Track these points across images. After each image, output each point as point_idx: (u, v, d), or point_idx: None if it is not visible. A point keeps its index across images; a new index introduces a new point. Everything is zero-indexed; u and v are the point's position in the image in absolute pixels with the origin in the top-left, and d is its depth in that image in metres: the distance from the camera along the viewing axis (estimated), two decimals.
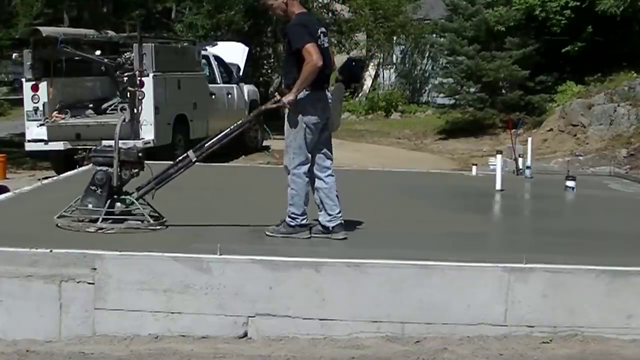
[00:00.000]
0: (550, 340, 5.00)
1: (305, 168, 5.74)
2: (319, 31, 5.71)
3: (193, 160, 5.93)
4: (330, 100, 5.85)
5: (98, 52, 13.72)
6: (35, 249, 5.11)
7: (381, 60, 28.12)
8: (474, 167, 10.80)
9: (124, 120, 6.33)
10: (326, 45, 5.76)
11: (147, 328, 5.02)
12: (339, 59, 32.65)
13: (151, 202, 6.07)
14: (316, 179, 5.85)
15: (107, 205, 5.88)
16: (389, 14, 26.16)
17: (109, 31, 15.93)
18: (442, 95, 23.66)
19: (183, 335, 4.99)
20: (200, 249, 5.27)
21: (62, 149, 12.98)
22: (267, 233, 5.89)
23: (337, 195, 5.87)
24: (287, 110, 5.72)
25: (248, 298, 5.04)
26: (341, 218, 5.88)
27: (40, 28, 14.37)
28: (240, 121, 6.07)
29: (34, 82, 13.24)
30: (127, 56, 13.30)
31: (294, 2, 5.77)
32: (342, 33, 26.78)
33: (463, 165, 15.40)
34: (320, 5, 26.89)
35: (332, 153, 5.95)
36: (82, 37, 14.47)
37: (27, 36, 13.99)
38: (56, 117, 13.25)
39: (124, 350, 4.83)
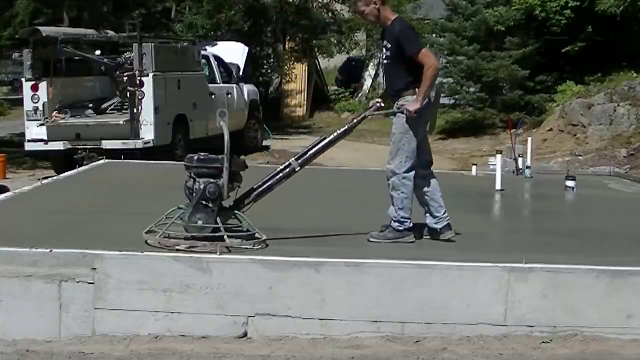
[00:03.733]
0: (550, 340, 5.00)
1: (414, 172, 5.72)
2: None
3: (297, 170, 5.72)
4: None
5: (98, 52, 13.76)
6: (35, 249, 5.11)
7: (381, 60, 28.09)
8: (474, 167, 10.82)
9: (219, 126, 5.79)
10: None
11: (147, 328, 5.01)
12: (339, 59, 32.45)
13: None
14: (419, 183, 5.83)
15: (219, 221, 5.40)
16: None
17: (109, 31, 15.95)
18: (442, 95, 23.65)
19: (183, 335, 4.98)
20: (200, 249, 5.27)
21: (62, 149, 12.99)
22: (372, 240, 5.82)
23: (440, 196, 5.89)
24: (400, 116, 5.66)
25: (248, 298, 5.04)
26: (448, 219, 5.89)
27: (40, 28, 14.38)
28: (343, 129, 5.85)
29: (34, 82, 13.26)
30: (127, 56, 13.36)
31: (386, 7, 5.75)
32: (342, 33, 26.77)
33: (463, 165, 15.40)
34: (320, 5, 26.89)
35: (431, 156, 5.98)
36: (82, 37, 14.50)
37: (27, 36, 14.00)
38: (56, 117, 13.26)
39: (124, 350, 4.83)
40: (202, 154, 5.63)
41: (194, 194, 5.44)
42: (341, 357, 4.76)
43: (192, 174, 5.53)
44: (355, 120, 5.98)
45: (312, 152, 5.77)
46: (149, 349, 4.83)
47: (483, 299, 5.08)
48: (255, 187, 5.68)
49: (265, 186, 5.67)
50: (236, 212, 5.60)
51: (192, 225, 5.39)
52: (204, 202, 5.39)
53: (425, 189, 5.86)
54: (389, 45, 5.70)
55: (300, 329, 5.02)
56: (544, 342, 4.98)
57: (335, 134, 5.85)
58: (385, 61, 5.83)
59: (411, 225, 5.83)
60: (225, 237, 5.34)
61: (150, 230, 5.51)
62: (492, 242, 6.50)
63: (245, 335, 5.04)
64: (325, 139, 5.86)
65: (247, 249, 5.39)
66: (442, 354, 4.81)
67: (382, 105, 6.00)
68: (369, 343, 4.92)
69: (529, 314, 5.07)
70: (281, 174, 5.69)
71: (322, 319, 5.04)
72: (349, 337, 4.99)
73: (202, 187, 5.40)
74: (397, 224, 5.77)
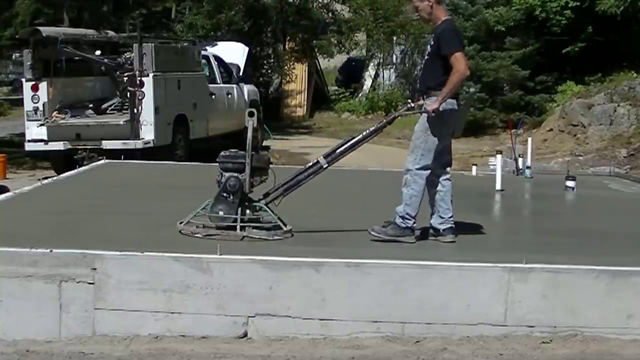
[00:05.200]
0: (550, 340, 5.00)
1: (428, 172, 5.75)
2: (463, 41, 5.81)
3: (324, 166, 5.87)
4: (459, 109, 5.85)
5: (98, 52, 13.75)
6: (35, 249, 5.11)
7: (381, 60, 28.10)
8: (474, 167, 10.81)
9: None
10: None
11: (147, 328, 5.02)
12: (339, 59, 32.35)
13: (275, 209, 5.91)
14: (435, 181, 5.85)
15: (238, 212, 5.74)
16: (389, 14, 26.15)
17: (109, 31, 15.94)
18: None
19: (183, 335, 4.99)
20: (200, 249, 5.27)
21: (62, 149, 12.98)
22: (373, 234, 5.83)
23: (451, 200, 5.90)
24: (424, 115, 5.70)
25: (248, 298, 5.04)
26: (452, 222, 5.91)
27: (40, 28, 14.36)
28: (372, 128, 5.96)
29: (34, 82, 13.24)
30: (127, 56, 13.34)
31: (439, 6, 5.80)
32: (342, 33, 26.77)
33: (463, 165, 15.38)
34: (320, 5, 26.89)
35: (451, 156, 5.99)
36: (82, 37, 14.48)
37: (27, 36, 13.99)
38: (56, 117, 13.25)
39: (124, 350, 4.83)
40: (232, 150, 6.00)
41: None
42: (341, 357, 4.76)
43: (220, 168, 5.87)
44: (385, 120, 6.10)
45: (340, 150, 5.91)
46: (149, 349, 4.83)
47: (483, 299, 5.08)
48: (283, 182, 5.90)
49: (294, 181, 5.89)
50: (263, 204, 5.84)
51: (214, 215, 5.73)
52: (224, 194, 5.72)
53: (439, 188, 5.89)
54: (432, 42, 5.81)
55: (300, 329, 5.02)
56: (544, 342, 4.98)
57: (364, 133, 5.96)
58: (426, 57, 5.92)
59: (414, 225, 5.84)
60: (238, 227, 5.66)
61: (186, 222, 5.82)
62: (492, 242, 6.49)
63: (245, 335, 5.04)
64: (353, 137, 5.99)
65: (270, 239, 5.65)
66: (442, 354, 4.81)
67: (413, 105, 6.03)
68: (369, 343, 4.93)
69: (529, 314, 5.07)
70: (309, 170, 5.91)
71: (322, 319, 5.04)
72: (349, 337, 4.99)
73: (224, 180, 5.74)
74: (400, 219, 5.79)
